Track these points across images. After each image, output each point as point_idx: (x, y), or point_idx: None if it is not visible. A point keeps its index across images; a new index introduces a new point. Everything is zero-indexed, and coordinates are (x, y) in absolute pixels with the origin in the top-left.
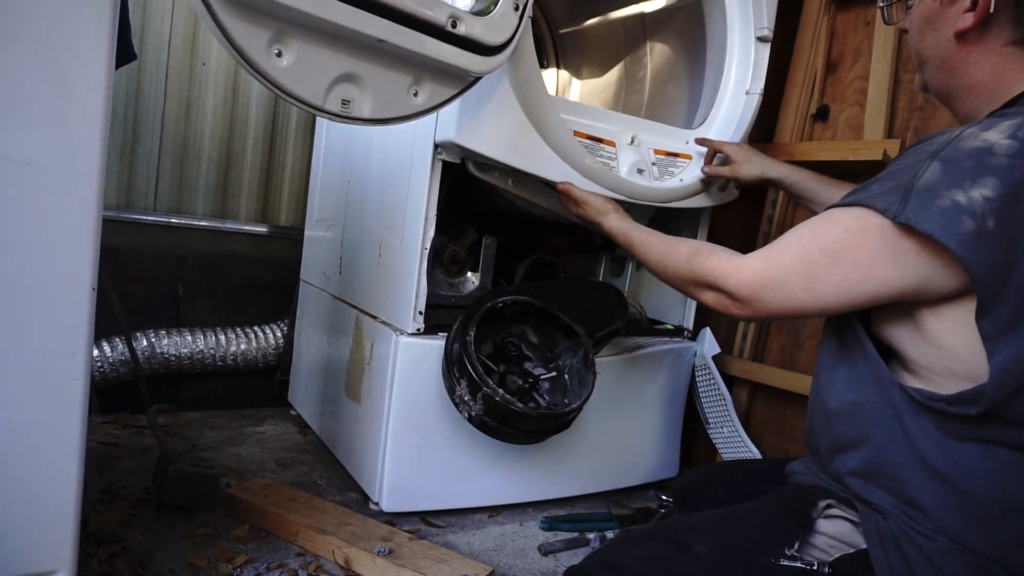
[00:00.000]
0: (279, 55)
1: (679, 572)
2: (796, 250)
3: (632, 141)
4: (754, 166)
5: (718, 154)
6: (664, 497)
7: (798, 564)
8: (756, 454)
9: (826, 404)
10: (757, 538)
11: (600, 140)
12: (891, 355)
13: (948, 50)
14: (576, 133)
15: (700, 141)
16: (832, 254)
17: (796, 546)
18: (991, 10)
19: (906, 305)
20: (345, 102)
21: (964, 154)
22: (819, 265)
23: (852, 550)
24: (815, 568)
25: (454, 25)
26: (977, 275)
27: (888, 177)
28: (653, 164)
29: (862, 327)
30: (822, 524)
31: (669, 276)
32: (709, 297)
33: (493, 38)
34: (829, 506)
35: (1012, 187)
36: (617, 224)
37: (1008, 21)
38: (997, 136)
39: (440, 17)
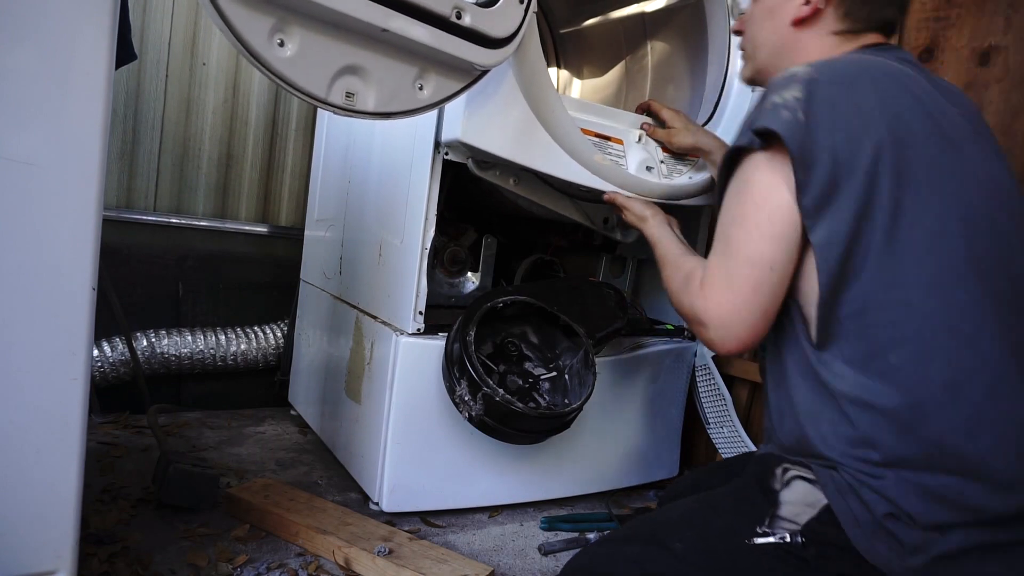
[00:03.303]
0: (281, 44)
1: (659, 569)
2: (720, 237)
3: (640, 139)
4: (689, 135)
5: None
6: None
7: (771, 539)
8: None
9: (766, 373)
10: (729, 522)
11: (608, 138)
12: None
13: (785, 36)
14: (583, 131)
15: (643, 105)
16: (740, 212)
17: (767, 522)
18: (822, 5)
19: (806, 264)
20: (349, 95)
21: (779, 80)
22: (735, 227)
23: (816, 510)
24: (788, 540)
25: (459, 16)
26: (795, 154)
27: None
28: (661, 162)
29: (792, 298)
30: (785, 494)
31: (672, 298)
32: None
33: (498, 30)
34: (786, 471)
35: (811, 89)
36: (651, 231)
37: (833, 13)
38: (799, 67)
39: (444, 8)
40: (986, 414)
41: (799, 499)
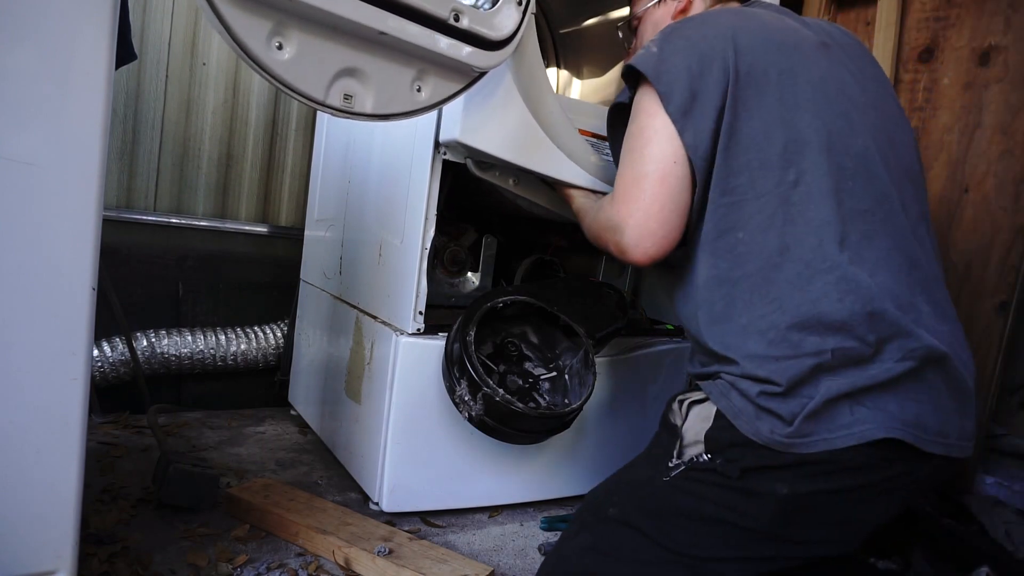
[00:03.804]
0: (280, 48)
1: (606, 545)
2: (624, 153)
3: None
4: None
5: None
6: None
7: (682, 468)
8: None
9: (675, 304)
10: (647, 471)
11: (605, 138)
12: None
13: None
14: (581, 131)
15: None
16: (636, 128)
17: (675, 455)
18: None
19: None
20: (347, 97)
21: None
22: (633, 140)
23: (711, 421)
24: (696, 460)
25: (456, 19)
26: (651, 77)
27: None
28: None
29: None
30: (686, 425)
31: (593, 234)
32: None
33: (496, 32)
34: (681, 403)
35: (666, 32)
36: (576, 204)
37: None
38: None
39: (442, 11)
40: (814, 268)
41: (696, 420)
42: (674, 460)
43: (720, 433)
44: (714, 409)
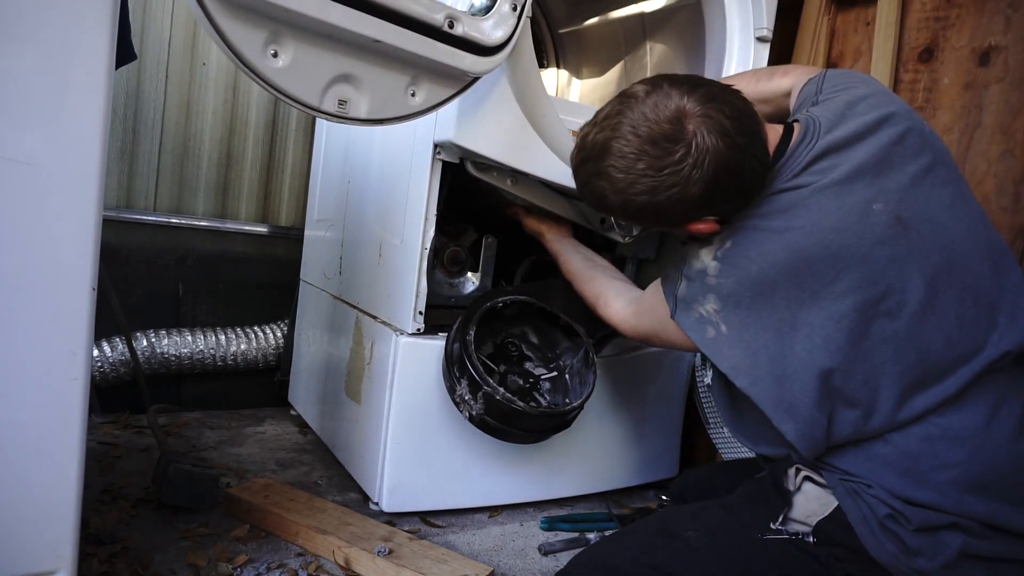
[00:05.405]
0: (275, 56)
1: (669, 559)
2: (647, 317)
3: None
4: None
5: None
6: (664, 497)
7: (784, 536)
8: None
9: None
10: (743, 518)
11: None
12: None
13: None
14: (575, 133)
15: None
16: (659, 324)
17: (780, 520)
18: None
19: None
20: (342, 102)
21: (695, 273)
22: (656, 329)
23: (827, 511)
24: (800, 537)
25: (451, 26)
26: (725, 369)
27: (670, 276)
28: None
29: None
30: (798, 496)
31: (585, 296)
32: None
33: (490, 39)
34: (799, 471)
35: (723, 297)
36: (550, 246)
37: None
38: (708, 258)
39: (437, 18)
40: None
41: (811, 500)
42: (777, 524)
43: (834, 529)
44: (834, 503)
